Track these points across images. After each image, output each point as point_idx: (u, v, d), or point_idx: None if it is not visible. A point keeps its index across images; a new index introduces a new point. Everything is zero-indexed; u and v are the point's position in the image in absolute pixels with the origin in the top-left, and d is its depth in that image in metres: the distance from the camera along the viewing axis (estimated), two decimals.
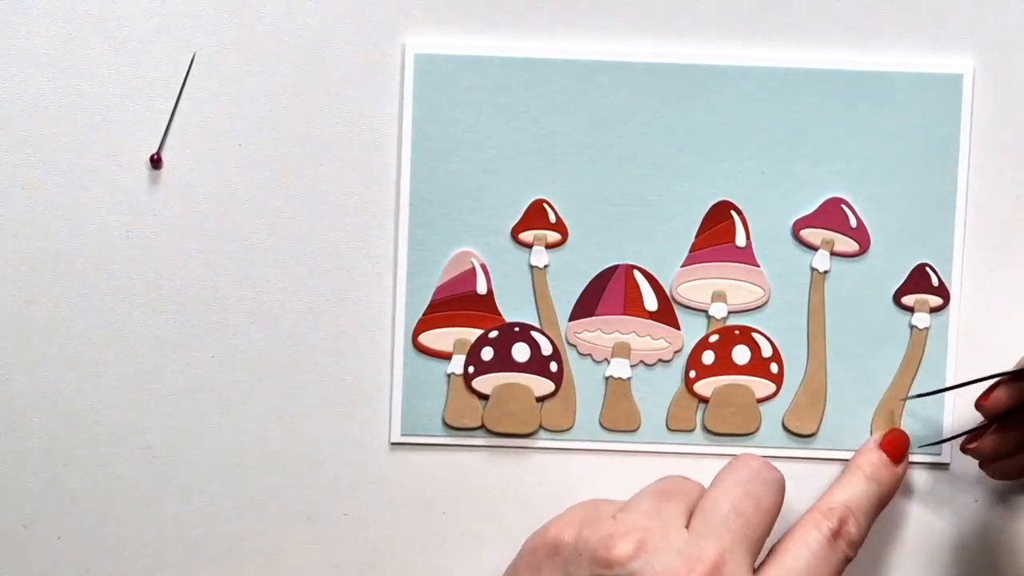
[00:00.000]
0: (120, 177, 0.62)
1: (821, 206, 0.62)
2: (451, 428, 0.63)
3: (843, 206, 0.62)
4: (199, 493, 0.63)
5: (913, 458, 0.62)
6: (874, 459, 0.60)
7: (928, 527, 0.63)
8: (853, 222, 0.62)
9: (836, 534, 0.57)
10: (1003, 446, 0.59)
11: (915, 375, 0.62)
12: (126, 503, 0.63)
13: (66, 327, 0.62)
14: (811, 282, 0.62)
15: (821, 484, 0.62)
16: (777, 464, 0.59)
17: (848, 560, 0.57)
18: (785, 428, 0.62)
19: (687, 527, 0.56)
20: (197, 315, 0.62)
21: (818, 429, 0.62)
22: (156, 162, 0.62)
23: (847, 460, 0.62)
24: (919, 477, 0.63)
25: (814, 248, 0.62)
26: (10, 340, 0.62)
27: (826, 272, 0.62)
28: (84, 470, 0.63)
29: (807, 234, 0.62)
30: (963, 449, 0.60)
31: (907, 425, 0.62)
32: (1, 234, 0.62)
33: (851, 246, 0.62)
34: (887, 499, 0.60)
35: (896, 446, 0.61)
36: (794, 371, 0.62)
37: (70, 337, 0.62)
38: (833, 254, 0.62)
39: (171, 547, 0.63)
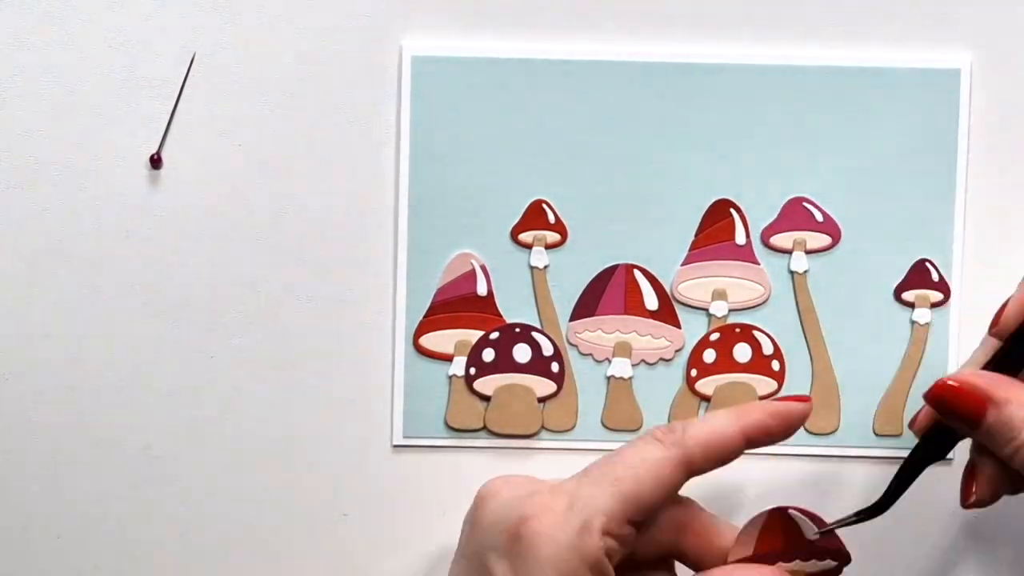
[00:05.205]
0: (120, 177, 0.62)
1: (783, 209, 0.62)
2: (453, 430, 0.63)
3: (805, 204, 0.62)
4: (199, 493, 0.63)
5: None
6: None
7: (928, 527, 0.63)
8: (819, 217, 0.62)
9: (661, 436, 0.54)
10: (996, 482, 0.57)
11: (917, 371, 0.62)
12: (126, 503, 0.63)
13: (66, 327, 0.62)
14: (794, 284, 0.62)
15: (835, 481, 0.62)
16: (793, 462, 0.61)
17: (681, 457, 0.53)
18: (805, 428, 0.62)
19: None
20: (197, 315, 0.62)
21: (837, 426, 0.63)
22: (156, 162, 0.62)
23: (862, 456, 0.62)
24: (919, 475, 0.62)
25: (787, 252, 0.62)
26: (10, 340, 0.62)
27: (806, 272, 0.62)
28: (84, 470, 0.63)
29: (777, 240, 0.62)
30: (965, 506, 0.58)
31: (908, 419, 0.62)
32: (1, 234, 0.62)
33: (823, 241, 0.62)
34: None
35: None
36: (796, 368, 0.62)
37: (70, 337, 0.62)
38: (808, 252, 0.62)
39: (171, 547, 0.63)
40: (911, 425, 0.58)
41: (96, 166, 0.62)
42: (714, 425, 0.54)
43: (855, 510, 0.57)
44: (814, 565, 0.55)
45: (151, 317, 0.62)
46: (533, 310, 0.63)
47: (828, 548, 0.55)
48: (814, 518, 0.55)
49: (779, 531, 0.55)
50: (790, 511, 0.55)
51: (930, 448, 0.57)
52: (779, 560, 0.55)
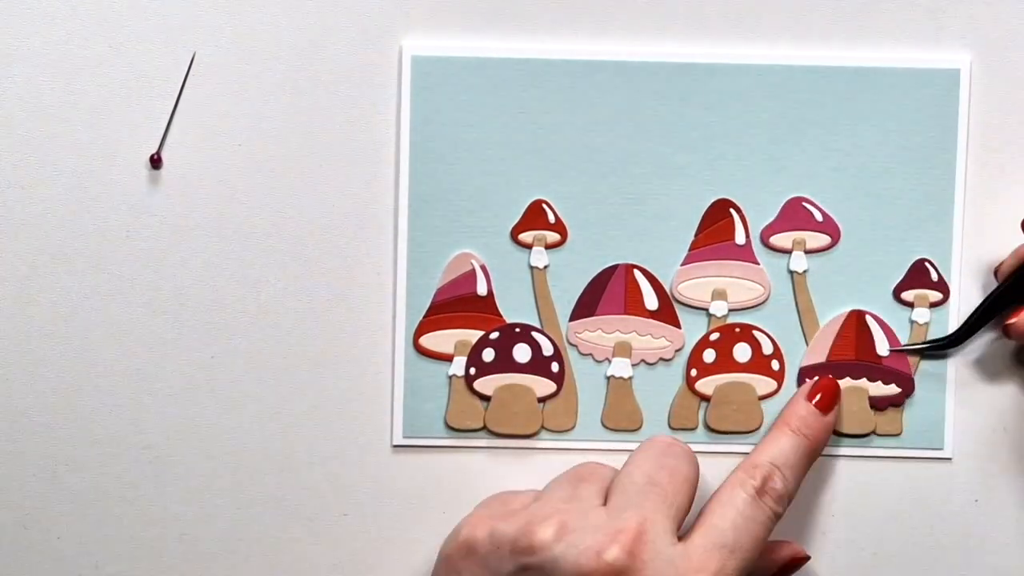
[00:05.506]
0: (120, 177, 0.62)
1: (783, 209, 0.62)
2: (453, 430, 0.63)
3: (804, 204, 0.62)
4: (199, 493, 0.63)
5: (914, 453, 0.62)
6: (801, 412, 0.60)
7: (928, 527, 0.63)
8: (819, 217, 0.62)
9: (761, 491, 0.57)
10: None
11: (916, 370, 0.62)
12: (126, 503, 0.63)
13: (66, 327, 0.62)
14: (794, 284, 0.62)
15: (834, 479, 0.62)
16: None
17: (777, 516, 0.58)
18: None
19: (605, 505, 0.56)
20: (197, 315, 0.62)
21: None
22: (156, 162, 0.62)
23: (859, 456, 0.62)
24: (919, 474, 0.62)
25: (787, 252, 0.62)
26: (10, 340, 0.62)
27: (806, 271, 0.62)
28: (84, 470, 0.63)
29: (776, 239, 0.62)
30: (1006, 330, 0.60)
31: (907, 420, 0.62)
32: (1, 234, 0.62)
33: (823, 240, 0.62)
34: (816, 451, 0.60)
35: (825, 395, 0.60)
36: (796, 368, 0.62)
37: (70, 337, 0.62)
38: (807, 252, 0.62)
39: (171, 547, 0.63)
40: (995, 272, 0.61)
41: (96, 166, 0.62)
42: (798, 470, 0.59)
43: (928, 344, 0.61)
44: (878, 388, 0.57)
45: (151, 317, 0.62)
46: (533, 310, 0.63)
47: (895, 370, 0.56)
48: (889, 335, 0.57)
49: (853, 339, 0.57)
50: (867, 316, 0.56)
51: (1009, 292, 0.60)
52: (848, 374, 0.58)
